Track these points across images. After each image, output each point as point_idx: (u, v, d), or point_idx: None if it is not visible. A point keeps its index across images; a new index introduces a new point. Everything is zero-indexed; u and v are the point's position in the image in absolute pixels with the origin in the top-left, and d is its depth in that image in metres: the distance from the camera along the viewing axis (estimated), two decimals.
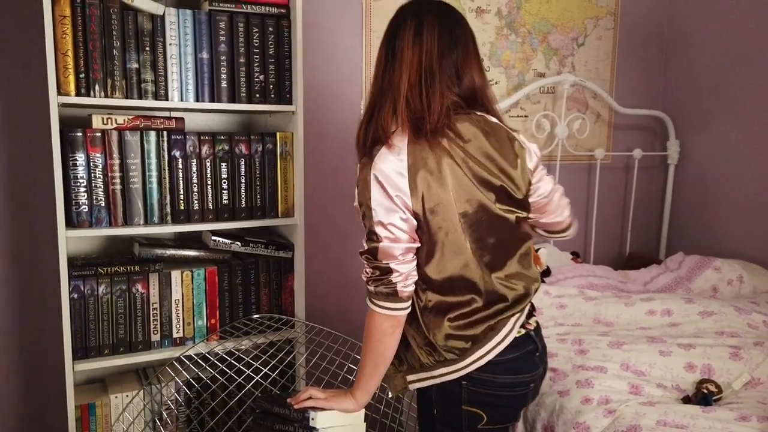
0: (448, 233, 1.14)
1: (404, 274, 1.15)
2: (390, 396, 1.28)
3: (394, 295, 1.15)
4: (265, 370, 1.63)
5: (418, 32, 1.15)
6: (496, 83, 2.45)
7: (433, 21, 1.16)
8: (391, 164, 1.12)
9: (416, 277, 1.17)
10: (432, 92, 1.14)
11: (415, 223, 1.14)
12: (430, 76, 1.14)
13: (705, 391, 1.42)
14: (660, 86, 2.78)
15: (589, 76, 2.60)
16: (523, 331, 1.22)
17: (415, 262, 1.17)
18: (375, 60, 1.22)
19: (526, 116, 2.52)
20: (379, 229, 1.13)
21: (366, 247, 1.16)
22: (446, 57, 1.16)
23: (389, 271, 1.14)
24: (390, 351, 1.20)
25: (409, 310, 1.18)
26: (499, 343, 1.18)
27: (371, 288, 1.17)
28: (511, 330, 1.19)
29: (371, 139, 1.16)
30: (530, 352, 1.23)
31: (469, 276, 1.16)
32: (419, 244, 1.16)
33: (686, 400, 1.45)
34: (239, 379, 1.62)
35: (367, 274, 1.18)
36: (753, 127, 2.41)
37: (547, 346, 1.35)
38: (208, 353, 1.70)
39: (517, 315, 1.21)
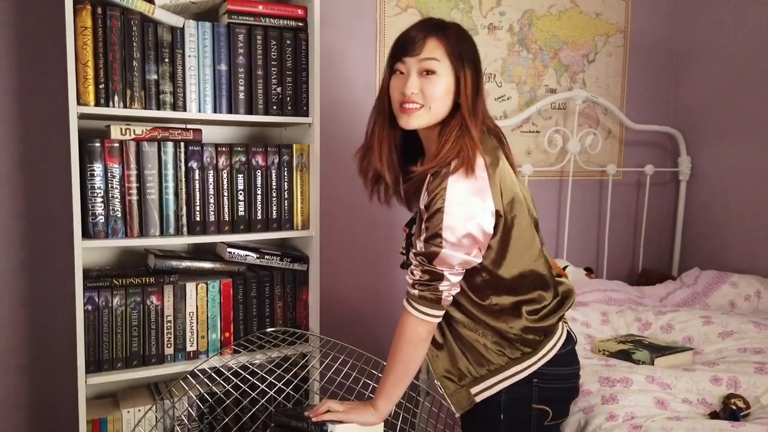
0: (520, 226, 1.15)
1: (452, 284, 1.14)
2: (457, 416, 1.25)
3: (436, 302, 1.14)
4: (279, 384, 1.60)
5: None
6: (507, 99, 2.45)
7: None
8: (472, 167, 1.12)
9: (459, 288, 1.17)
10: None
11: (490, 231, 1.12)
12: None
13: (733, 407, 1.39)
14: (670, 102, 2.78)
15: (599, 93, 2.61)
16: (566, 326, 1.26)
17: (462, 276, 1.15)
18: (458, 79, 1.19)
19: (537, 132, 2.52)
20: (446, 233, 1.09)
21: (423, 250, 1.12)
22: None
23: (440, 278, 1.12)
24: (421, 357, 1.18)
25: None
26: (561, 336, 1.21)
27: (415, 291, 1.15)
28: (563, 324, 1.24)
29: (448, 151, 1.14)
30: (574, 345, 1.27)
31: (540, 270, 1.18)
32: (480, 259, 1.14)
33: (713, 415, 1.41)
34: (253, 394, 1.59)
35: (414, 276, 1.15)
36: (764, 142, 2.41)
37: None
38: (221, 367, 1.68)
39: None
